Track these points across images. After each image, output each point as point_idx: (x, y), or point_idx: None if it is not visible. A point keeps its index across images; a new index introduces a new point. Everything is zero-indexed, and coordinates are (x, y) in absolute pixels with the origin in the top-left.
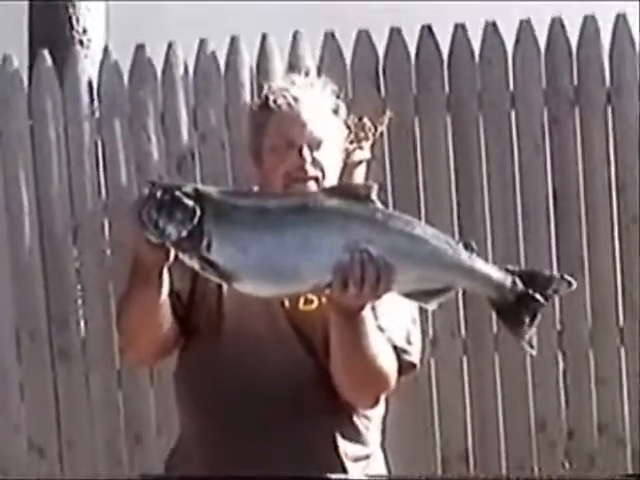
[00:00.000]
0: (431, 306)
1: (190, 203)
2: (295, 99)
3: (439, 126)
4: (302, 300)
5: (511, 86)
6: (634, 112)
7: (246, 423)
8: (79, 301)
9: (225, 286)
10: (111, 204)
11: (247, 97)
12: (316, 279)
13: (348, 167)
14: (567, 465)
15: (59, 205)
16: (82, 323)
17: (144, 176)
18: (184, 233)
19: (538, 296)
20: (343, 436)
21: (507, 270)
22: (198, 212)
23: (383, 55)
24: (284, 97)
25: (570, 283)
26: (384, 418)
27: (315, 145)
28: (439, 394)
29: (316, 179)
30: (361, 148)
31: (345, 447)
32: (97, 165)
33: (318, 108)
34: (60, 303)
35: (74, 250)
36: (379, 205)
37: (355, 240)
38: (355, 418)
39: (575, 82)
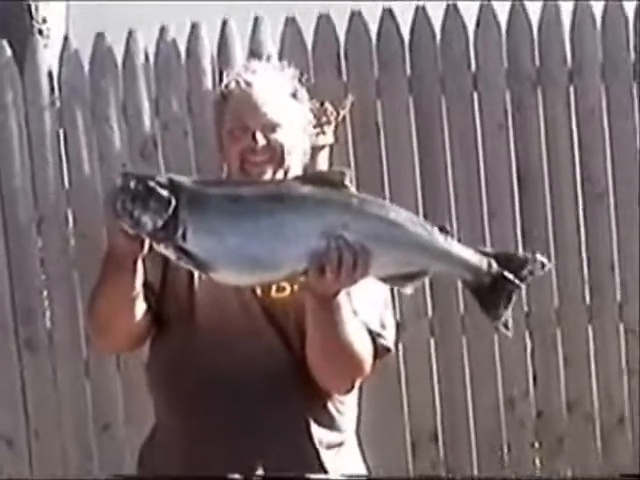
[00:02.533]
0: (408, 290)
1: (165, 193)
2: (248, 83)
3: (401, 109)
4: (274, 288)
5: (473, 67)
6: (596, 91)
7: (220, 412)
8: (44, 291)
9: (196, 275)
10: (74, 194)
11: (209, 84)
12: (293, 266)
13: (311, 152)
14: (537, 444)
15: (22, 196)
16: (48, 313)
17: (107, 165)
18: (159, 223)
19: (514, 278)
20: (317, 423)
21: (482, 252)
22: (173, 202)
23: (344, 39)
24: (237, 82)
25: (544, 264)
26: (358, 403)
27: (270, 128)
28: (407, 376)
29: (271, 161)
30: (323, 133)
31: (319, 434)
32: (59, 155)
33: (272, 91)
34: (25, 294)
35: (38, 240)
36: (353, 190)
37: (331, 226)
38: (329, 405)
39: (537, 62)
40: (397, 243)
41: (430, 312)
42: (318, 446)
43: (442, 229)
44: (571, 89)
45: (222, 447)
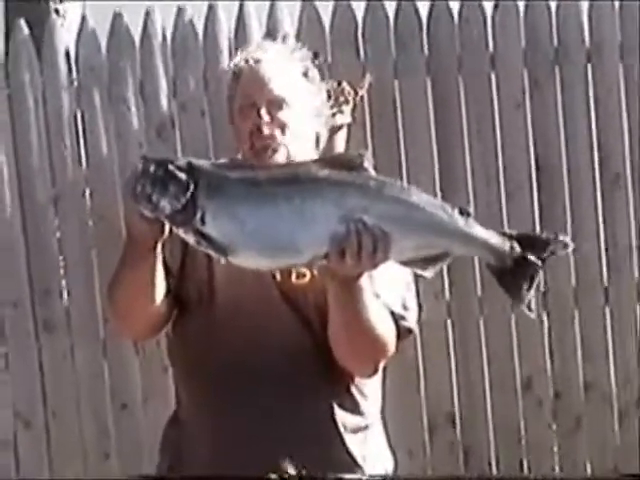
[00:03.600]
0: (429, 273)
1: (183, 177)
2: (257, 60)
3: (419, 89)
4: (294, 274)
5: (491, 47)
6: (614, 71)
7: (243, 397)
8: (61, 271)
9: (215, 260)
10: (91, 173)
11: (226, 64)
12: (313, 250)
13: (329, 132)
14: (554, 426)
15: (40, 175)
16: (65, 293)
17: (124, 145)
18: (178, 207)
19: (536, 260)
20: (341, 407)
21: (504, 234)
22: (191, 186)
23: (362, 19)
24: (247, 60)
25: (567, 244)
26: (382, 386)
27: (277, 104)
28: (424, 357)
29: (275, 139)
30: (341, 112)
31: (343, 418)
32: (77, 135)
33: (281, 68)
34: (43, 274)
35: (55, 220)
36: (373, 173)
37: (350, 210)
38: (353, 388)
39: (555, 42)
40: (418, 226)
41: (447, 294)
42: (342, 430)
43: (463, 211)
44: (589, 68)
45: (246, 432)
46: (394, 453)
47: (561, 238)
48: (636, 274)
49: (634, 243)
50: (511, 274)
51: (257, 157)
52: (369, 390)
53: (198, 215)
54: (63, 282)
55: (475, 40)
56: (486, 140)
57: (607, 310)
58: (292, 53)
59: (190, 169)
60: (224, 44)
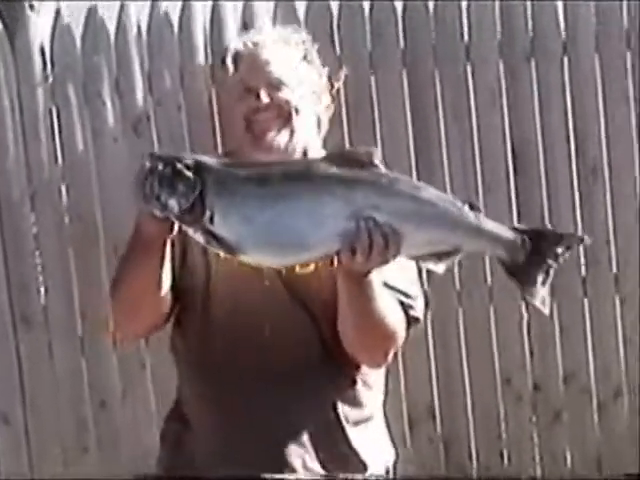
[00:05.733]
0: (440, 269)
1: (191, 175)
2: (254, 44)
3: (395, 81)
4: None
5: (466, 38)
6: (590, 63)
7: (244, 390)
8: (38, 267)
9: (213, 256)
10: (67, 169)
11: (201, 58)
12: (324, 248)
13: None
14: (534, 419)
15: (15, 172)
16: (42, 289)
17: (100, 140)
18: (186, 206)
19: (548, 255)
20: (344, 401)
21: (515, 229)
22: (199, 184)
23: (337, 11)
24: (244, 44)
25: (582, 239)
26: (386, 375)
27: (274, 86)
28: (404, 349)
29: (276, 119)
30: None
31: (346, 412)
32: (52, 131)
33: (278, 51)
34: (19, 270)
35: (32, 216)
36: (383, 170)
37: (360, 207)
38: (358, 380)
39: (530, 33)
40: (428, 222)
41: (426, 286)
42: (345, 423)
43: (472, 206)
44: (565, 60)
45: (250, 424)
46: (395, 445)
47: (575, 234)
48: (614, 266)
49: (611, 233)
50: (523, 269)
51: (256, 141)
52: (373, 380)
53: (207, 214)
54: (40, 278)
55: (450, 31)
56: (463, 132)
57: (585, 302)
58: (291, 36)
59: (197, 167)
60: (199, 38)
